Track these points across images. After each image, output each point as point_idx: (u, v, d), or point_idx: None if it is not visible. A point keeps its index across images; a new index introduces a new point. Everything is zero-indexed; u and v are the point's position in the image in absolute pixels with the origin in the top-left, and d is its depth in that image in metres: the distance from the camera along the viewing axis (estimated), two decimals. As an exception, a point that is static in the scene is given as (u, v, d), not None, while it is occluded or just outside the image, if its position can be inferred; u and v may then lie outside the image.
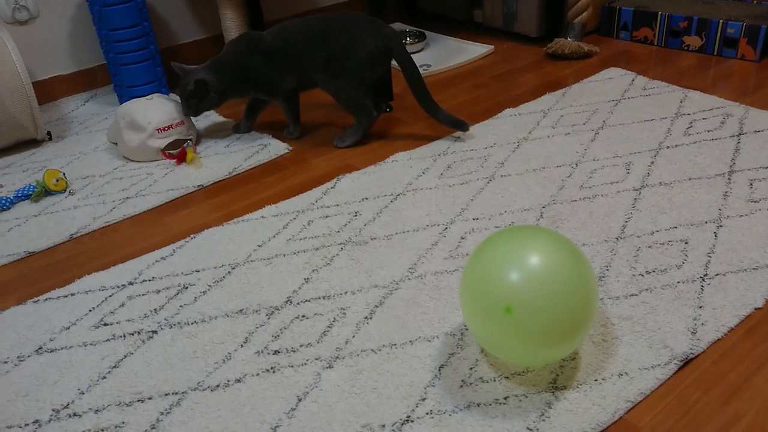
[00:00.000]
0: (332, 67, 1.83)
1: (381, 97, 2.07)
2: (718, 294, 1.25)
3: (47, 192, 1.80)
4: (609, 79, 2.23)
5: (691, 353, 1.13)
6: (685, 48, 2.44)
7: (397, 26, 2.88)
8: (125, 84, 2.26)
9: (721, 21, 2.32)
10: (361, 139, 1.95)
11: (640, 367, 1.11)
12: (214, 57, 1.90)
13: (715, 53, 2.37)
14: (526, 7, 2.59)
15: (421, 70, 2.43)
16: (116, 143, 2.00)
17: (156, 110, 1.92)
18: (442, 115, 1.89)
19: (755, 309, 1.22)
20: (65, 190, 1.81)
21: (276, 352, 1.20)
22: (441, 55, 2.58)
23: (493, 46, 2.61)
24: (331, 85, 1.87)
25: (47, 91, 2.37)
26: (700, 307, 1.22)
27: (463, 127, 1.91)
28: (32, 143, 2.10)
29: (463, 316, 1.11)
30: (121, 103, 2.22)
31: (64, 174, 1.82)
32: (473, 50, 2.60)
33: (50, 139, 2.12)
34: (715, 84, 2.15)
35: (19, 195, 1.77)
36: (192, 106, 1.90)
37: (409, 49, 2.61)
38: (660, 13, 2.46)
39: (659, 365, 1.11)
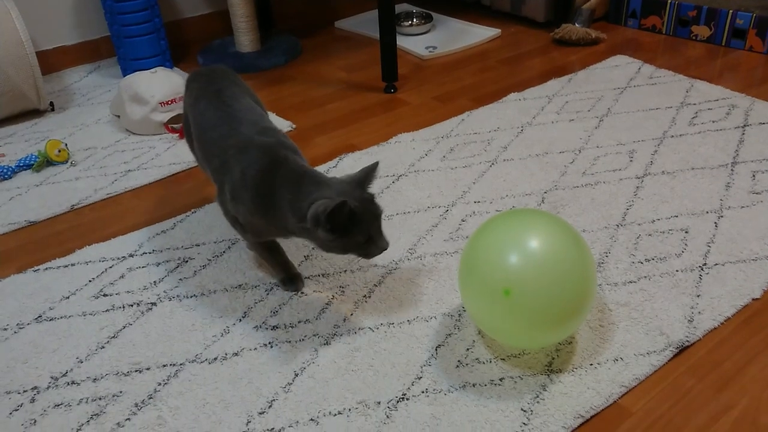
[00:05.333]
0: None
1: None
2: (716, 284, 1.25)
3: (49, 162, 1.79)
4: (615, 66, 2.22)
5: (687, 341, 1.13)
6: (694, 38, 2.42)
7: (404, 7, 2.86)
8: (129, 56, 2.25)
9: (730, 11, 2.30)
10: None
11: (636, 353, 1.11)
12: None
13: (724, 44, 2.36)
14: (535, -8, 2.57)
15: (427, 52, 2.42)
16: (119, 116, 1.99)
17: (160, 84, 1.91)
18: None
19: (753, 300, 1.22)
20: (67, 161, 1.81)
21: (274, 328, 1.21)
22: (447, 37, 2.57)
23: (500, 30, 2.59)
24: None
25: (51, 61, 2.36)
26: (698, 296, 1.23)
27: None
28: (35, 113, 2.10)
29: (461, 298, 1.11)
30: (124, 76, 2.21)
31: (66, 145, 1.82)
32: (480, 33, 2.58)
33: (53, 109, 2.11)
34: (721, 74, 2.14)
35: (21, 165, 1.77)
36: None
37: (415, 30, 2.60)
38: (669, 1, 2.44)
39: (655, 352, 1.11)
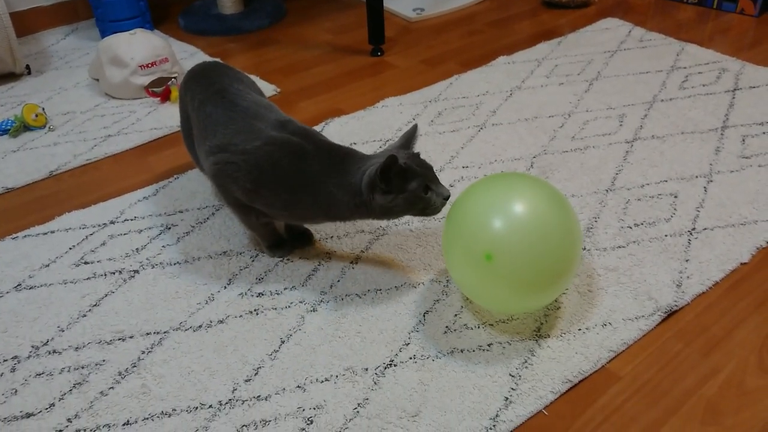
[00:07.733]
0: None
1: None
2: (704, 248, 1.25)
3: (26, 127, 1.74)
4: (606, 29, 2.19)
5: (675, 305, 1.13)
6: (685, 0, 2.38)
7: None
8: (107, 18, 2.18)
9: (722, -27, 2.26)
10: None
11: (624, 317, 1.11)
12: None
13: (715, 6, 2.32)
14: (525, -48, 2.51)
15: (414, 14, 2.37)
16: (98, 79, 1.94)
17: (139, 46, 1.86)
18: None
19: (741, 264, 1.22)
20: (45, 126, 1.76)
21: (260, 295, 1.19)
22: (435, -1, 2.51)
23: (488, -8, 2.54)
24: None
25: (26, 23, 2.28)
26: (687, 261, 1.22)
27: None
28: (10, 77, 2.03)
29: (446, 264, 1.10)
30: (103, 38, 2.15)
31: (43, 109, 1.77)
32: (468, -5, 2.52)
33: (29, 73, 2.05)
34: (712, 38, 2.11)
35: (-3, 129, 1.72)
36: None
37: (402, -9, 2.54)
38: (661, -38, 2.39)
39: (643, 316, 1.11)
